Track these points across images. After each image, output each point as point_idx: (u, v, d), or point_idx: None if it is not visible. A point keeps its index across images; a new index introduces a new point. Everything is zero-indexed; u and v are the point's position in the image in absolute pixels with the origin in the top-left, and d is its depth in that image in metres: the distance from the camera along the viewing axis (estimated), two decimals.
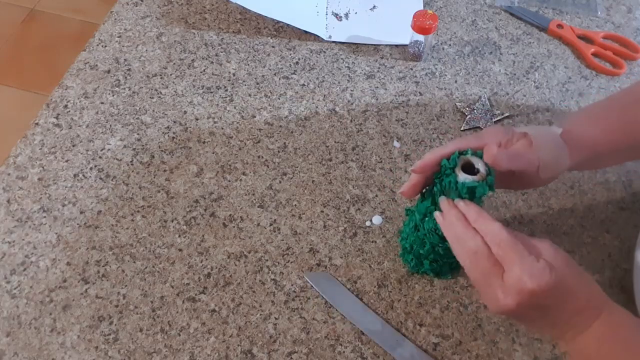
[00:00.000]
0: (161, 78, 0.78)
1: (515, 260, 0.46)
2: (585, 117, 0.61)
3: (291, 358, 0.57)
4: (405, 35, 0.81)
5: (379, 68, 0.81)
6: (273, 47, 0.82)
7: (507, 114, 0.76)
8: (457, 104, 0.77)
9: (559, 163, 0.56)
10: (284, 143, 0.72)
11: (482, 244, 0.48)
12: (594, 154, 0.58)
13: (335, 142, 0.73)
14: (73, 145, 0.71)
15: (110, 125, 0.73)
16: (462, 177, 0.51)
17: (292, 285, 0.61)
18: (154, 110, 0.75)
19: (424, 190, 0.57)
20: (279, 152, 0.72)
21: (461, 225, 0.50)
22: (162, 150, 0.71)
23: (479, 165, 0.52)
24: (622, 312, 0.48)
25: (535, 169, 0.54)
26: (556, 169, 0.56)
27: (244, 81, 0.78)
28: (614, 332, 0.47)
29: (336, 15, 0.86)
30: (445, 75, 0.80)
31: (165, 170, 0.70)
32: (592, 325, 0.47)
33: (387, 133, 0.74)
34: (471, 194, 0.51)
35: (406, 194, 0.56)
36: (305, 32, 0.83)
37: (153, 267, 0.62)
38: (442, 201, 0.53)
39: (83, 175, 0.69)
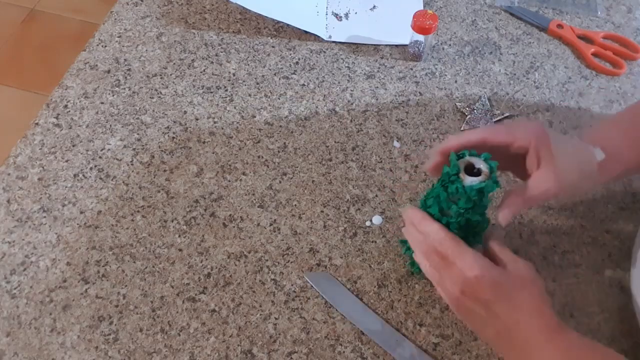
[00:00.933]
0: (161, 78, 0.78)
1: (456, 253, 0.50)
2: (612, 130, 0.59)
3: (291, 358, 0.57)
4: (405, 35, 0.81)
5: (379, 68, 0.81)
6: (273, 47, 0.82)
7: (507, 114, 0.76)
8: (457, 104, 0.77)
9: (581, 186, 0.56)
10: (284, 143, 0.72)
11: (429, 244, 0.53)
12: (623, 171, 0.57)
13: (335, 142, 0.73)
14: (73, 145, 0.71)
15: (110, 125, 0.73)
16: (469, 180, 0.51)
17: (292, 285, 0.61)
18: (154, 110, 0.75)
19: (427, 201, 0.56)
20: (279, 152, 0.72)
21: (412, 230, 0.55)
22: (162, 150, 0.71)
23: (480, 165, 0.52)
24: (577, 336, 0.49)
25: (552, 197, 0.54)
26: (577, 191, 0.57)
27: (244, 81, 0.78)
28: (567, 355, 0.48)
29: (336, 15, 0.86)
30: (445, 75, 0.80)
31: (165, 170, 0.70)
32: (543, 349, 0.47)
33: (387, 133, 0.74)
34: (480, 195, 0.52)
35: (431, 171, 0.56)
36: (305, 32, 0.83)
37: (153, 267, 0.62)
38: (404, 211, 0.56)
39: (83, 175, 0.69)
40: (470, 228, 0.54)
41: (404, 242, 0.61)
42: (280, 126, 0.74)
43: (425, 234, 0.53)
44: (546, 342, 0.48)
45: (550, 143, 0.52)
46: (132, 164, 0.70)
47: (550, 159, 0.52)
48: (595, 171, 0.54)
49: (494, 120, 0.75)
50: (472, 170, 0.52)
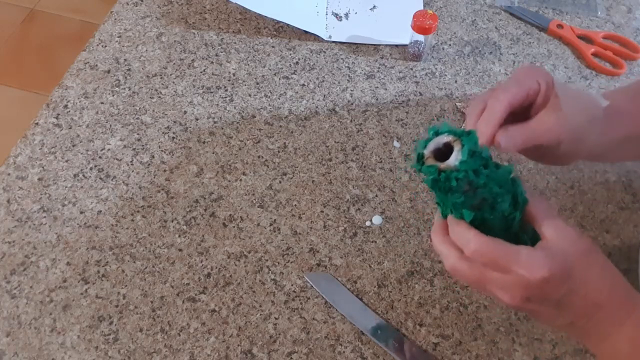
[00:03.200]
0: (161, 78, 0.78)
1: (509, 258, 0.42)
2: (624, 93, 0.57)
3: (291, 358, 0.57)
4: (405, 35, 0.81)
5: (379, 68, 0.81)
6: (273, 47, 0.82)
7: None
8: (457, 104, 0.77)
9: (585, 140, 0.50)
10: (284, 143, 0.72)
11: (459, 258, 0.44)
12: (629, 133, 0.53)
13: (335, 142, 0.73)
14: (73, 145, 0.71)
15: (110, 125, 0.73)
16: (452, 159, 0.42)
17: (292, 285, 0.61)
18: (154, 110, 0.75)
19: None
20: (279, 152, 0.72)
21: (438, 240, 0.46)
22: (162, 150, 0.71)
23: (444, 139, 0.43)
24: None
25: (557, 144, 0.49)
26: (580, 146, 0.51)
27: (244, 81, 0.78)
28: None
29: (336, 15, 0.86)
30: (445, 75, 0.80)
31: (165, 170, 0.70)
32: (623, 325, 0.43)
33: (387, 133, 0.74)
34: (476, 161, 0.42)
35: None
36: (305, 32, 0.83)
37: (153, 267, 0.62)
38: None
39: (83, 175, 0.69)
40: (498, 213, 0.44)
41: None
42: (280, 126, 0.74)
43: (458, 244, 0.44)
44: (626, 317, 0.43)
45: (556, 86, 0.50)
46: (132, 164, 0.70)
47: (556, 100, 0.49)
48: (601, 117, 0.51)
49: None
50: (442, 151, 0.43)
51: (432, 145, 0.43)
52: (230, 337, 0.58)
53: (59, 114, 0.74)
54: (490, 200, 0.43)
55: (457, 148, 0.42)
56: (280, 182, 0.69)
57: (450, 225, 0.45)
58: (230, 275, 0.62)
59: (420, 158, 0.43)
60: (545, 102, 0.49)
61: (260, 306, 0.60)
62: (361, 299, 0.61)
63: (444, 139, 0.43)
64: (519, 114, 0.50)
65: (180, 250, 0.63)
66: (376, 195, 0.68)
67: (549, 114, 0.49)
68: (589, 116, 0.51)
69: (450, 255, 0.44)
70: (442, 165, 0.42)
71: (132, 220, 0.65)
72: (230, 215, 0.66)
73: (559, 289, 0.42)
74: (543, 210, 0.45)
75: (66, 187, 0.68)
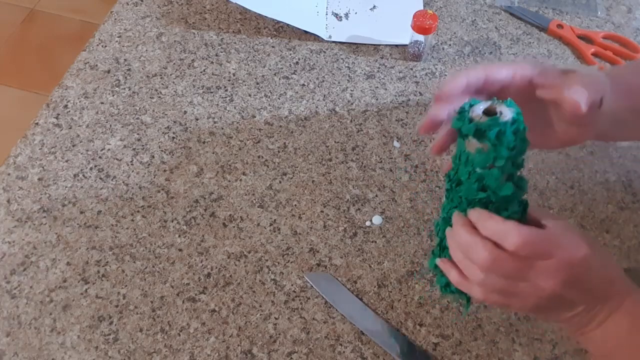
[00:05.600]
0: (161, 78, 0.78)
1: (551, 245, 0.42)
2: (626, 66, 0.56)
3: (291, 358, 0.57)
4: (405, 35, 0.81)
5: (379, 68, 0.81)
6: (273, 47, 0.82)
7: None
8: None
9: (606, 97, 0.49)
10: (284, 143, 0.72)
11: (497, 248, 0.43)
12: (633, 105, 0.52)
13: (335, 142, 0.73)
14: (73, 145, 0.71)
15: (110, 125, 0.73)
16: (507, 114, 0.43)
17: (292, 285, 0.61)
18: (154, 110, 0.75)
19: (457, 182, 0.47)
20: (279, 152, 0.72)
21: (467, 234, 0.44)
22: (162, 150, 0.71)
23: (501, 108, 0.44)
24: None
25: (600, 98, 0.48)
26: (596, 116, 0.49)
27: (244, 81, 0.78)
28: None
29: (336, 15, 0.86)
30: (445, 75, 0.80)
31: (165, 170, 0.70)
32: (622, 305, 0.44)
33: (387, 133, 0.74)
34: (516, 136, 0.43)
35: (436, 150, 0.50)
36: (305, 32, 0.83)
37: (153, 267, 0.62)
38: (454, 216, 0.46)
39: (83, 175, 0.69)
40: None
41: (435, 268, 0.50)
42: (280, 126, 0.74)
43: (495, 236, 0.43)
44: (627, 295, 0.44)
45: (561, 67, 0.49)
46: (132, 164, 0.70)
47: (575, 73, 0.48)
48: (608, 88, 0.50)
49: None
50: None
51: (476, 109, 0.44)
52: (230, 337, 0.58)
53: (59, 114, 0.74)
54: (515, 176, 0.45)
55: (503, 107, 0.43)
56: (280, 182, 0.69)
57: (481, 219, 0.44)
58: (230, 275, 0.62)
59: (466, 119, 0.44)
60: (550, 82, 0.48)
61: (260, 306, 0.60)
62: (361, 299, 0.61)
63: (483, 105, 0.44)
64: (524, 102, 0.48)
65: (180, 250, 0.64)
66: (376, 195, 0.68)
67: (586, 76, 0.47)
68: (598, 79, 0.50)
69: (488, 249, 0.43)
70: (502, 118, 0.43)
71: (132, 220, 0.65)
72: (230, 215, 0.66)
73: (592, 267, 0.42)
74: (541, 211, 0.46)
75: (66, 187, 0.68)
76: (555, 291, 0.42)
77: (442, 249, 0.49)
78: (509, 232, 0.42)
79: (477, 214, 0.44)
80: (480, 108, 0.44)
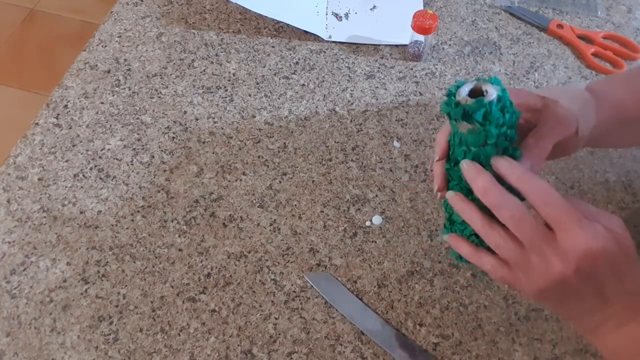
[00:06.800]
0: (161, 78, 0.78)
1: (573, 219, 0.40)
2: (610, 80, 0.58)
3: (291, 358, 0.57)
4: (405, 35, 0.81)
5: (379, 68, 0.81)
6: (273, 47, 0.82)
7: None
8: None
9: (588, 119, 0.50)
10: (284, 143, 0.72)
11: (526, 207, 0.42)
12: (620, 116, 0.54)
13: (335, 142, 0.73)
14: (73, 145, 0.71)
15: (110, 125, 0.73)
16: (491, 93, 0.43)
17: (292, 285, 0.61)
18: (154, 110, 0.75)
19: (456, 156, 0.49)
20: (279, 152, 0.72)
21: (497, 191, 0.43)
22: (162, 150, 0.71)
23: (487, 87, 0.44)
24: None
25: (575, 130, 0.49)
26: (586, 125, 0.51)
27: (244, 81, 0.78)
28: None
29: (336, 15, 0.86)
30: (445, 75, 0.80)
31: (165, 170, 0.70)
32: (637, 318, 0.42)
33: (387, 133, 0.74)
34: (503, 111, 0.44)
35: (442, 189, 0.50)
36: (305, 32, 0.83)
37: (153, 267, 0.62)
38: (469, 166, 0.45)
39: (83, 175, 0.69)
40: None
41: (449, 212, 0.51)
42: (280, 126, 0.74)
43: (527, 192, 0.42)
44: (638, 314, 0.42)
45: (535, 93, 0.50)
46: (132, 164, 0.70)
47: (545, 100, 0.49)
48: (591, 100, 0.51)
49: None
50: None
51: (462, 92, 0.44)
52: (230, 337, 0.58)
53: (59, 114, 0.74)
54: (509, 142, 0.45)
55: (488, 86, 0.44)
56: (280, 182, 0.69)
57: (523, 171, 0.43)
58: (230, 275, 0.62)
59: (453, 103, 0.45)
60: (526, 105, 0.50)
61: (260, 306, 0.60)
62: (361, 299, 0.61)
63: (468, 86, 0.44)
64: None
65: (180, 250, 0.64)
66: (376, 195, 0.68)
67: (552, 110, 0.49)
68: (580, 100, 0.51)
69: (517, 204, 0.42)
70: (487, 98, 0.43)
71: (132, 220, 0.65)
72: (230, 215, 0.66)
73: (609, 266, 0.40)
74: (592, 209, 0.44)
75: (66, 187, 0.68)
76: (566, 276, 0.41)
77: (451, 223, 0.50)
78: (545, 189, 0.41)
79: (506, 163, 0.44)
80: (465, 90, 0.44)
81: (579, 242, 0.40)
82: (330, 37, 0.83)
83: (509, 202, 0.43)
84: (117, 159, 0.70)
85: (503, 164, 0.44)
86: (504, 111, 0.44)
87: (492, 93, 0.43)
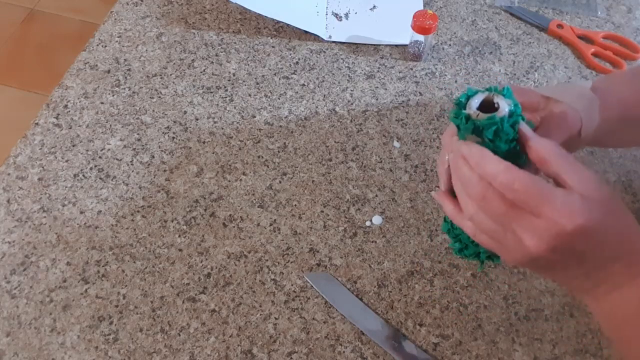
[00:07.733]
0: (161, 78, 0.78)
1: (543, 198, 0.38)
2: (614, 77, 0.58)
3: (291, 358, 0.57)
4: (405, 35, 0.81)
5: (379, 68, 0.81)
6: (273, 47, 0.82)
7: None
8: None
9: (592, 119, 0.51)
10: (284, 143, 0.72)
11: (491, 187, 0.40)
12: (624, 116, 0.53)
13: (335, 142, 0.73)
14: (73, 145, 0.71)
15: (110, 125, 0.73)
16: (503, 108, 0.42)
17: (292, 285, 0.61)
18: (154, 110, 0.75)
19: None
20: (279, 152, 0.72)
21: (466, 169, 0.42)
22: (162, 150, 0.71)
23: (498, 100, 0.43)
24: None
25: (578, 131, 0.49)
26: (590, 125, 0.50)
27: (244, 81, 0.78)
28: None
29: (336, 15, 0.86)
30: (445, 75, 0.80)
31: (165, 170, 0.70)
32: (635, 279, 0.41)
33: (387, 133, 0.74)
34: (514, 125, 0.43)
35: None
36: (305, 32, 0.83)
37: (153, 267, 0.62)
38: (458, 147, 0.44)
39: (83, 175, 0.69)
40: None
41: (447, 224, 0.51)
42: (280, 126, 0.74)
43: (487, 176, 0.41)
44: (633, 277, 0.41)
45: (538, 92, 0.50)
46: (132, 164, 0.70)
47: (549, 99, 0.49)
48: (595, 98, 0.51)
49: None
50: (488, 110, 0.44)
51: (473, 104, 0.43)
52: (230, 337, 0.58)
53: (59, 114, 0.74)
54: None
55: (500, 99, 0.42)
56: (280, 182, 0.69)
57: (479, 155, 0.41)
58: (230, 275, 0.62)
59: (463, 116, 0.43)
60: (529, 104, 0.50)
61: (260, 306, 0.60)
62: (361, 299, 0.61)
63: (479, 98, 0.43)
64: None
65: (180, 250, 0.64)
66: (376, 195, 0.68)
67: (556, 111, 0.49)
68: (585, 99, 0.52)
69: (482, 185, 0.41)
70: (498, 114, 0.42)
71: (132, 220, 0.65)
72: (230, 215, 0.66)
73: (589, 240, 0.39)
74: (559, 155, 0.42)
75: (66, 187, 0.68)
76: (541, 254, 0.40)
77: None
78: (501, 171, 0.40)
79: (471, 150, 0.42)
80: (475, 102, 0.43)
81: (550, 224, 0.38)
82: (330, 37, 0.83)
83: (474, 180, 0.41)
84: (117, 159, 0.70)
85: (463, 148, 0.43)
86: (514, 127, 0.43)
87: (504, 107, 0.42)
